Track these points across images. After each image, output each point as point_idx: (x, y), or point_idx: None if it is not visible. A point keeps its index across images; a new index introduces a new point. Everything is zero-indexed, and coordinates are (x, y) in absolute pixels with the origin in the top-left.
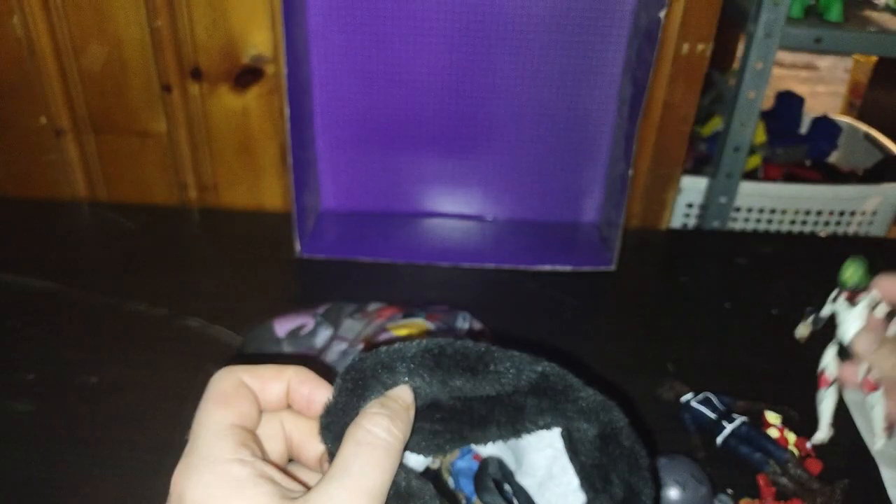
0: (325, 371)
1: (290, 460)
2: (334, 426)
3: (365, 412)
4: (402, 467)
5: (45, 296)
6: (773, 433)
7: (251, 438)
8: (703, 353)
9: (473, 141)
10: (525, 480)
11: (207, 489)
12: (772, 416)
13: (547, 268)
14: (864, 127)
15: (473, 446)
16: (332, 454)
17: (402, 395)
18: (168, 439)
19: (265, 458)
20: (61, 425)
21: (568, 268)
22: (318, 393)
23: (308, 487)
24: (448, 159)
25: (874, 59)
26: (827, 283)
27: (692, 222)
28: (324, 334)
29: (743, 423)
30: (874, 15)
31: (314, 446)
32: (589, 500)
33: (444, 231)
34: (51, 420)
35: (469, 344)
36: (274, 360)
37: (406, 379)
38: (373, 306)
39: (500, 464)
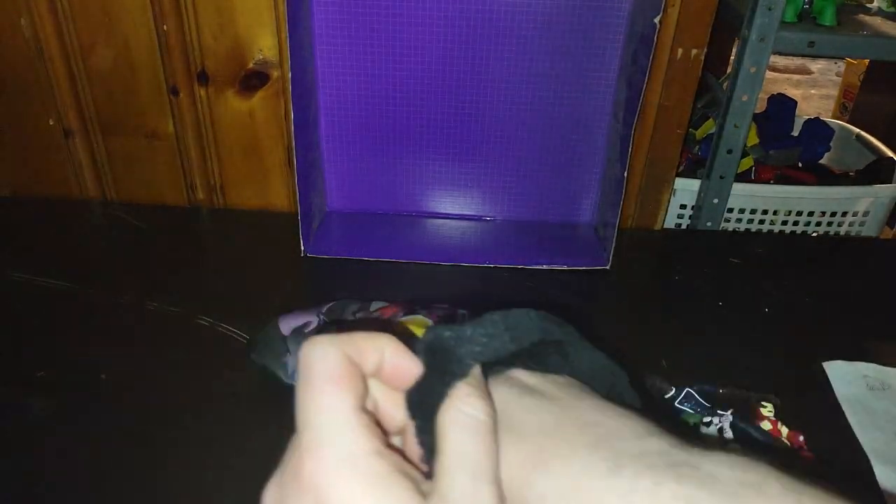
0: (406, 338)
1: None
2: (423, 404)
3: (460, 395)
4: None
5: (55, 294)
6: (766, 426)
7: (374, 422)
8: (697, 350)
9: (473, 144)
10: None
11: (353, 486)
12: (765, 409)
13: (544, 267)
14: (856, 129)
15: None
16: (421, 429)
17: (478, 374)
18: (179, 434)
19: (389, 441)
20: (72, 422)
21: (564, 267)
22: (409, 364)
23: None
24: (449, 161)
25: (866, 62)
26: (818, 282)
27: (686, 223)
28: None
29: (732, 420)
30: (867, 19)
31: (397, 414)
32: None
33: (444, 231)
34: (63, 417)
35: (521, 310)
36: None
37: (479, 349)
38: (375, 305)
39: None
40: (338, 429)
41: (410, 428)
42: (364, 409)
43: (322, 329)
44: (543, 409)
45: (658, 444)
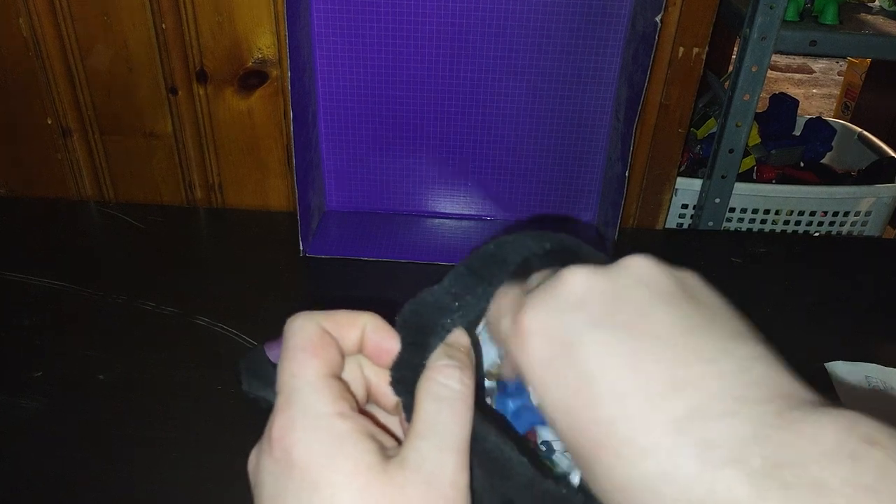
0: (392, 317)
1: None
2: (405, 379)
3: (434, 365)
4: (481, 418)
5: (53, 294)
6: None
7: (345, 388)
8: None
9: (474, 142)
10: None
11: (312, 445)
12: None
13: None
14: (857, 128)
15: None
16: (406, 406)
17: (461, 340)
18: (176, 434)
19: (360, 409)
20: (70, 422)
21: None
22: (387, 341)
23: (391, 434)
24: (449, 160)
25: (868, 61)
26: (820, 282)
27: (687, 223)
28: None
29: None
30: (869, 18)
31: (391, 391)
32: None
33: (444, 231)
34: (60, 417)
35: (489, 246)
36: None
37: (458, 308)
38: None
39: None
40: (303, 391)
41: (399, 405)
42: (335, 377)
43: None
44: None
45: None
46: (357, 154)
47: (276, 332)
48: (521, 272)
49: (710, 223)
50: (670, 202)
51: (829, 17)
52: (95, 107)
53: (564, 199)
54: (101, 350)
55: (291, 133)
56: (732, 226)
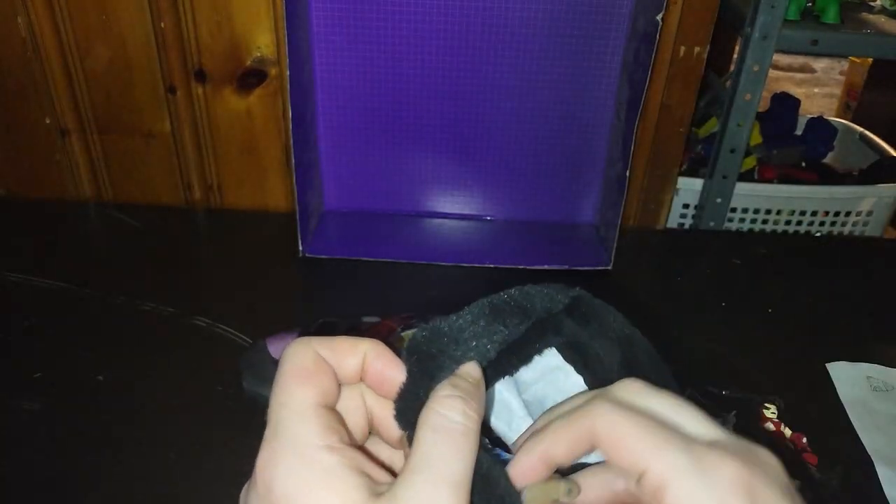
0: (397, 347)
1: (371, 433)
2: (408, 411)
3: (437, 396)
4: (484, 449)
5: (51, 295)
6: (769, 427)
7: (337, 420)
8: (699, 351)
9: (473, 142)
10: (524, 395)
11: (296, 478)
12: (768, 411)
13: (545, 267)
14: (859, 128)
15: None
16: (410, 440)
17: (472, 372)
18: (176, 435)
19: (351, 440)
20: (69, 423)
21: (565, 267)
22: (391, 370)
23: (390, 471)
24: (449, 160)
25: (870, 60)
26: (821, 282)
27: (688, 223)
28: None
29: (735, 422)
30: (870, 17)
31: (395, 424)
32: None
33: (444, 231)
34: (58, 418)
35: (513, 292)
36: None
37: (474, 344)
38: (366, 321)
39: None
40: (291, 422)
41: (404, 439)
42: (327, 407)
43: (319, 329)
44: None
45: None
46: (356, 154)
47: (275, 332)
48: (542, 326)
49: (712, 223)
50: (671, 202)
51: (831, 16)
52: (94, 106)
53: (565, 198)
54: (100, 351)
55: (290, 132)
56: (734, 226)
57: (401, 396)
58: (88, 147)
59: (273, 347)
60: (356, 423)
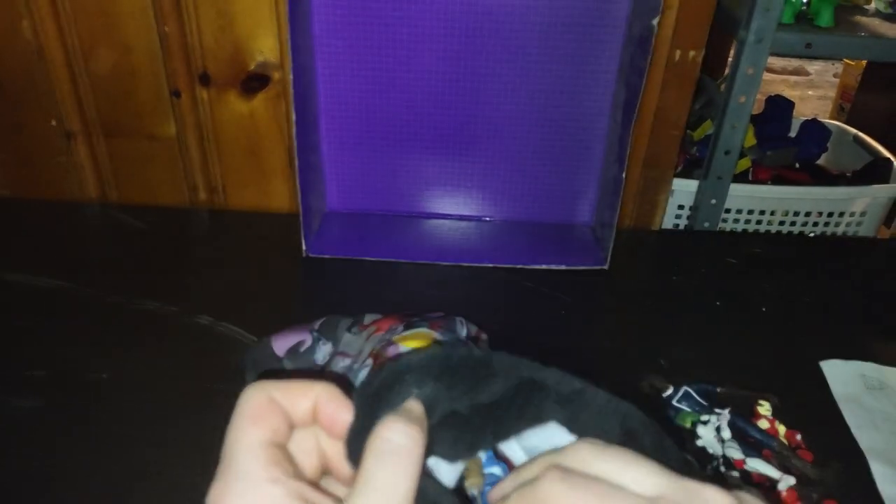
0: (351, 390)
1: (327, 474)
2: (357, 450)
3: (381, 423)
4: (429, 476)
5: (56, 295)
6: (764, 424)
7: (284, 456)
8: (695, 350)
9: (473, 144)
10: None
11: None
12: (762, 408)
13: (542, 267)
14: (853, 130)
15: (501, 448)
16: None
17: (412, 408)
18: (180, 434)
19: (298, 475)
20: (71, 422)
21: (563, 267)
22: (341, 413)
23: (335, 498)
24: (448, 162)
25: (864, 63)
26: (815, 282)
27: (684, 223)
28: (323, 350)
29: (730, 419)
30: (864, 20)
31: (347, 463)
32: None
33: (444, 231)
34: (60, 417)
35: (473, 350)
36: (278, 377)
37: (415, 390)
38: (369, 318)
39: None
40: (241, 458)
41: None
42: (275, 445)
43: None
44: None
45: None
46: (358, 155)
47: (278, 332)
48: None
49: (706, 224)
50: (666, 203)
51: (825, 19)
52: (99, 109)
53: (562, 200)
54: (104, 349)
55: (293, 135)
56: (728, 226)
57: (349, 436)
58: (93, 149)
59: (277, 345)
60: (309, 463)
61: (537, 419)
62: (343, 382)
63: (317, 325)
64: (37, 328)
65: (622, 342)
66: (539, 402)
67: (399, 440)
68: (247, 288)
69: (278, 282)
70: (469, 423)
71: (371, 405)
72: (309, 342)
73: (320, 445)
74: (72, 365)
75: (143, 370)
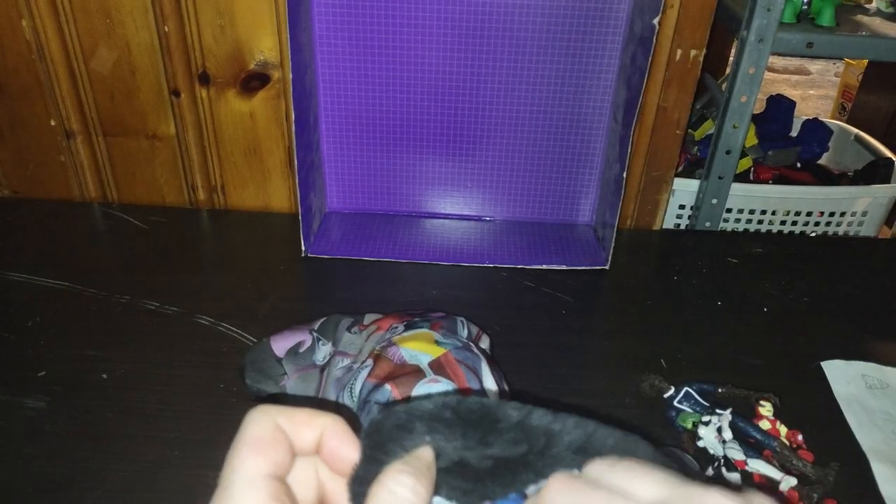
0: (357, 424)
1: None
2: (360, 495)
3: (388, 471)
4: None
5: (57, 294)
6: (765, 425)
7: (283, 491)
8: (696, 350)
9: (473, 144)
10: None
11: None
12: (764, 408)
13: (543, 267)
14: (854, 129)
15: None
16: None
17: (423, 455)
18: (179, 433)
19: None
20: (73, 421)
21: (564, 267)
22: (345, 448)
23: None
24: (449, 162)
25: (865, 62)
26: (816, 282)
27: (685, 223)
28: (323, 350)
29: (731, 419)
30: (865, 19)
31: (346, 502)
32: None
33: (444, 231)
34: (63, 416)
35: (484, 401)
36: (276, 378)
37: (427, 438)
38: (369, 318)
39: None
40: (237, 487)
41: None
42: (275, 477)
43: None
44: None
45: None
46: (358, 155)
47: (278, 331)
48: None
49: (708, 223)
50: (667, 203)
51: (826, 18)
52: (98, 109)
53: (563, 200)
54: (105, 349)
55: (293, 135)
56: (729, 226)
57: (354, 478)
58: (93, 149)
59: (276, 345)
60: (306, 495)
61: (550, 468)
62: (349, 416)
63: (316, 325)
64: (38, 327)
65: (623, 342)
66: (552, 452)
67: (404, 495)
68: (247, 288)
69: (278, 282)
70: (479, 474)
71: (378, 450)
72: (308, 342)
73: (319, 478)
74: (73, 365)
75: (143, 370)
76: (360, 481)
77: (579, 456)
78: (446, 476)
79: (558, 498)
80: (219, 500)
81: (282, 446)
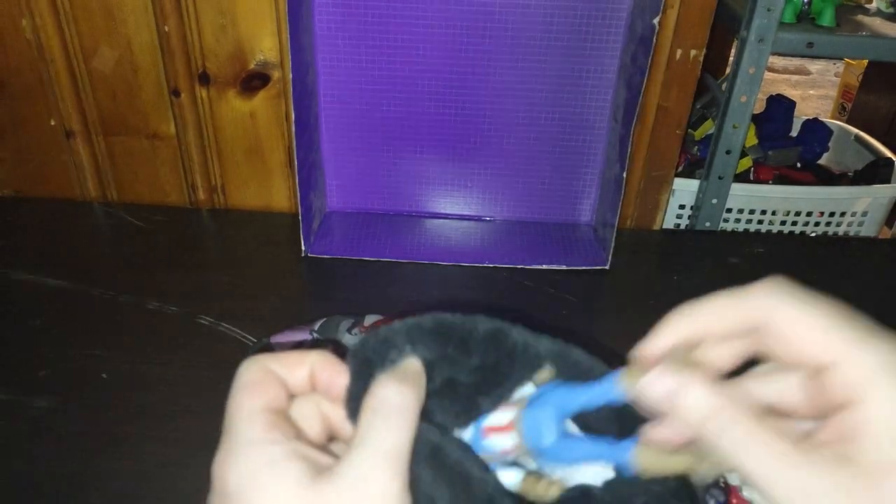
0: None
1: (334, 439)
2: (356, 410)
3: (376, 382)
4: (439, 430)
5: (58, 294)
6: None
7: (282, 420)
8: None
9: (473, 144)
10: (556, 471)
11: (245, 470)
12: None
13: (544, 267)
14: (854, 129)
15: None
16: None
17: (409, 365)
18: (181, 432)
19: (300, 437)
20: (75, 421)
21: (564, 267)
22: (337, 377)
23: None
24: (449, 161)
25: (865, 62)
26: (816, 282)
27: (685, 223)
28: None
29: None
30: (866, 19)
31: (349, 424)
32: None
33: (444, 231)
34: (66, 415)
35: (456, 314)
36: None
37: (409, 349)
38: (369, 319)
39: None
40: (239, 425)
41: None
42: (273, 410)
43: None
44: None
45: None
46: (358, 155)
47: (278, 331)
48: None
49: (708, 224)
50: (668, 203)
51: (827, 18)
52: (99, 108)
53: (563, 199)
54: (106, 349)
55: (293, 135)
56: (729, 226)
57: (347, 398)
58: (93, 148)
59: (277, 346)
60: (313, 429)
61: (528, 373)
62: (338, 349)
63: (317, 325)
64: (39, 327)
65: (623, 342)
66: (527, 357)
67: (391, 397)
68: (247, 288)
69: (278, 282)
70: (468, 391)
71: (366, 367)
72: (309, 342)
73: (322, 411)
74: (73, 365)
75: (144, 370)
76: (354, 398)
77: (556, 361)
78: (439, 399)
79: (799, 311)
80: (224, 440)
81: (274, 384)
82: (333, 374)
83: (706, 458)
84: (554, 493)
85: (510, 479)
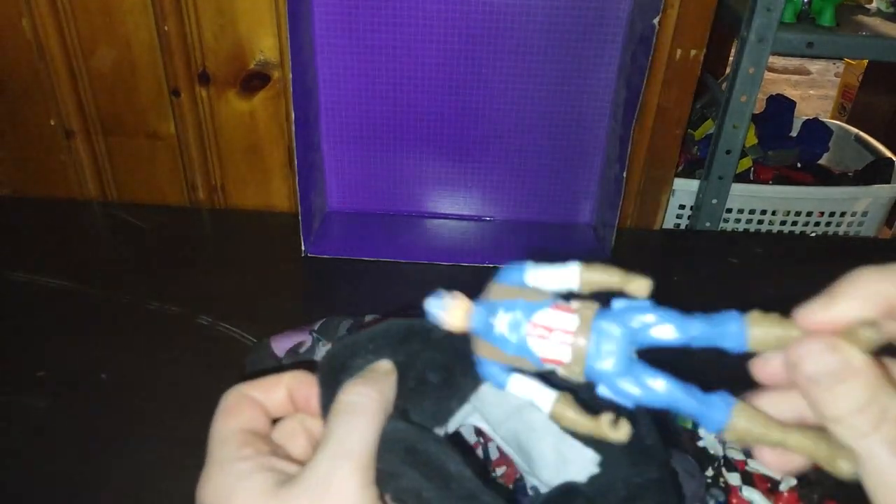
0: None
1: None
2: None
3: (343, 389)
4: (417, 428)
5: (57, 294)
6: None
7: (258, 439)
8: (695, 350)
9: (474, 144)
10: (542, 474)
11: (217, 486)
12: None
13: None
14: (854, 130)
15: (479, 425)
16: None
17: (380, 365)
18: (180, 432)
19: (277, 453)
20: (73, 421)
21: None
22: (314, 394)
23: None
24: (449, 161)
25: (865, 62)
26: (817, 282)
27: (685, 223)
28: (323, 350)
29: None
30: (866, 19)
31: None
32: (604, 458)
33: (444, 231)
34: (65, 415)
35: (408, 319)
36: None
37: (371, 357)
38: (369, 319)
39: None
40: (215, 445)
41: None
42: (248, 431)
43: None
44: None
45: None
46: (358, 154)
47: (278, 331)
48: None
49: (708, 224)
50: (668, 203)
51: (827, 18)
52: (98, 108)
53: (562, 199)
54: (105, 349)
55: (293, 134)
56: (729, 226)
57: (322, 408)
58: (93, 148)
59: (277, 346)
60: (299, 444)
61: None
62: (312, 368)
63: (316, 325)
64: (38, 327)
65: None
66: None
67: (353, 399)
68: (247, 288)
69: (278, 282)
70: (440, 389)
71: (332, 376)
72: (309, 343)
73: (307, 427)
74: (73, 364)
75: (143, 370)
76: (325, 407)
77: None
78: (417, 398)
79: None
80: (205, 465)
81: (248, 407)
82: (312, 391)
83: (831, 447)
84: (624, 431)
85: (542, 397)
